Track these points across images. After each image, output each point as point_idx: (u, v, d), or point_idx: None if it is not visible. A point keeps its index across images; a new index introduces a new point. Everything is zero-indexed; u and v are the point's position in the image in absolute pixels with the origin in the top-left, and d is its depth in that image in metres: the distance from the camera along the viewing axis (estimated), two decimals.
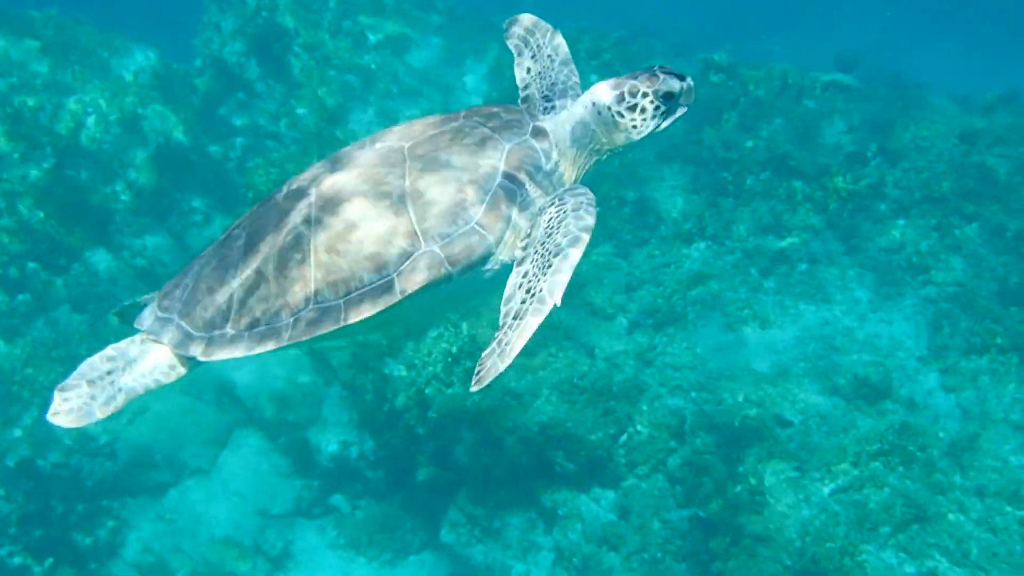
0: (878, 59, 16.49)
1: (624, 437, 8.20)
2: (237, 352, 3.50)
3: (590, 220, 3.39)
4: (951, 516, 7.48)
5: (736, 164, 11.37)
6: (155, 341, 3.76)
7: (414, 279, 3.42)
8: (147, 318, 3.82)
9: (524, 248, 3.50)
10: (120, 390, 3.68)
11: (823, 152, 11.53)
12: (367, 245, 3.43)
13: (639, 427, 8.23)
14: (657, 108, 3.62)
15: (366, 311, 3.41)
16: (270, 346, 3.45)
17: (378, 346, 8.44)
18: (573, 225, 3.37)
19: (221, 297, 3.58)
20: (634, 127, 3.66)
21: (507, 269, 3.57)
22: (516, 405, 8.23)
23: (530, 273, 3.35)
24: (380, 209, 3.46)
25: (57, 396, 3.65)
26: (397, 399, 8.38)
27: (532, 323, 3.21)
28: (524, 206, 3.57)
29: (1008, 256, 10.11)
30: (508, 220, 3.52)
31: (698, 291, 9.99)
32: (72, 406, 3.63)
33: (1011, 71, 20.51)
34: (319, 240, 3.46)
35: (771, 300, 9.97)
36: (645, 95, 3.61)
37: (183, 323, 3.65)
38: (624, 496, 8.03)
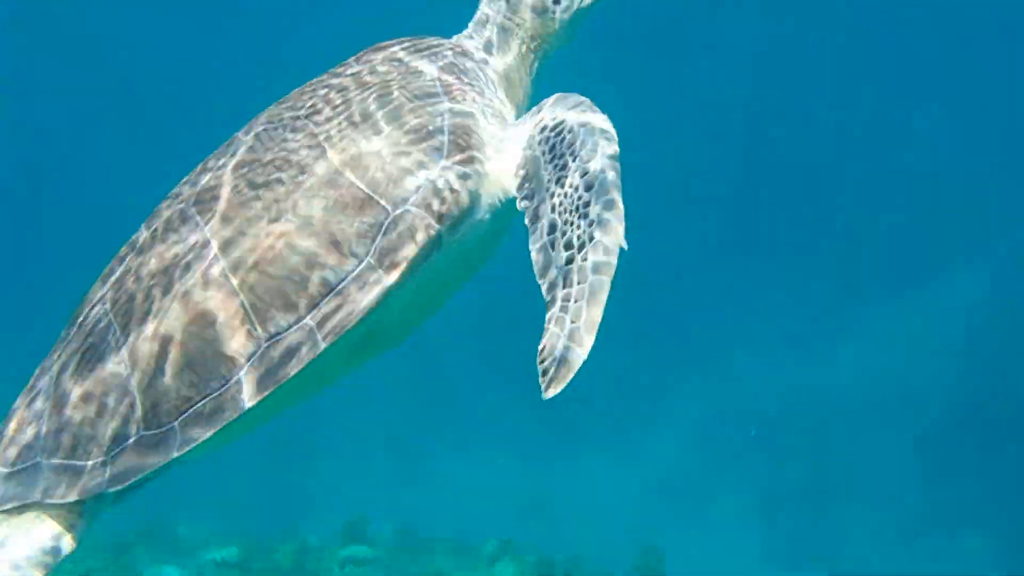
0: None
1: None
2: (171, 451, 2.57)
3: (598, 118, 2.64)
4: None
5: None
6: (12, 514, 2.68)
7: (402, 253, 2.60)
8: None
9: (525, 197, 2.68)
10: None
11: None
12: (317, 236, 2.62)
13: None
14: None
15: (354, 314, 2.57)
16: (224, 419, 2.54)
17: None
18: (588, 139, 2.57)
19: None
20: (557, 15, 3.15)
21: (498, 216, 2.83)
22: None
23: (558, 222, 2.54)
24: (309, 184, 2.66)
25: None
26: None
27: (603, 281, 2.38)
28: (485, 117, 2.84)
29: None
30: (486, 143, 2.78)
31: None
32: None
33: None
34: (223, 265, 2.62)
35: None
36: None
37: (58, 460, 2.65)
38: None
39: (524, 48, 3.21)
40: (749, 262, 16.67)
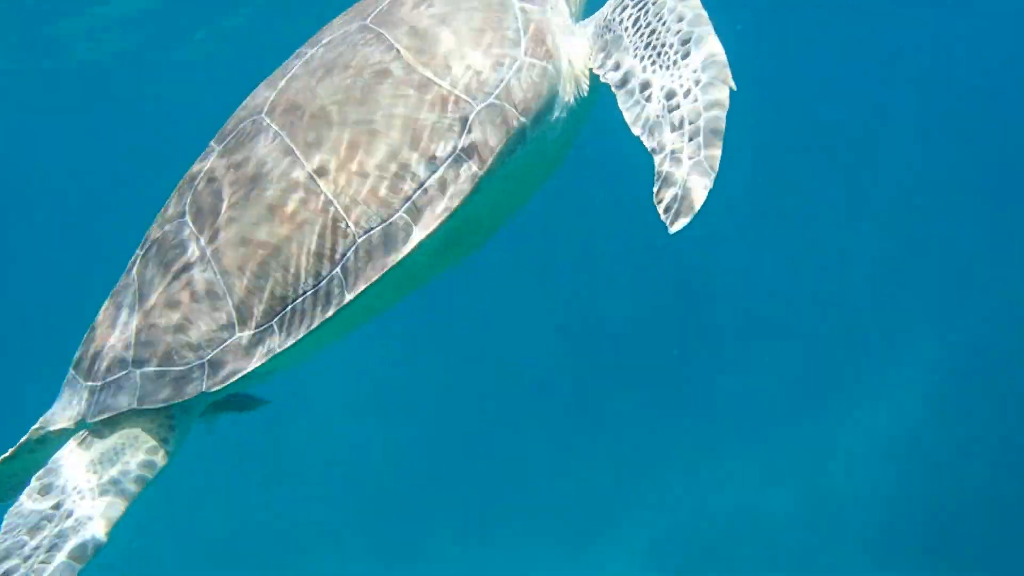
0: None
1: None
2: (273, 347, 2.62)
3: None
4: None
5: None
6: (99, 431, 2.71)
7: (488, 144, 2.68)
8: (80, 405, 2.74)
9: (611, 69, 2.75)
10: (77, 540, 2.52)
11: None
12: (400, 132, 2.66)
13: None
14: None
15: (444, 205, 2.62)
16: (317, 318, 2.60)
17: None
18: (672, 3, 2.64)
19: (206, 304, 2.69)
20: None
21: (574, 115, 2.93)
22: None
23: (653, 78, 2.60)
24: (388, 87, 2.71)
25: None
26: None
27: (719, 116, 2.44)
28: (559, 14, 2.95)
29: None
30: (559, 39, 2.90)
31: None
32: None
33: None
34: (308, 170, 2.67)
35: None
36: None
37: (152, 368, 2.66)
38: None
39: None
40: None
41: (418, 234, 2.60)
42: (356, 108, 2.69)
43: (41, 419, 2.85)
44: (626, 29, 2.77)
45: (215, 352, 2.64)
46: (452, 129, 2.68)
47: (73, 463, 2.64)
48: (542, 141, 2.87)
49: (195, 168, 2.89)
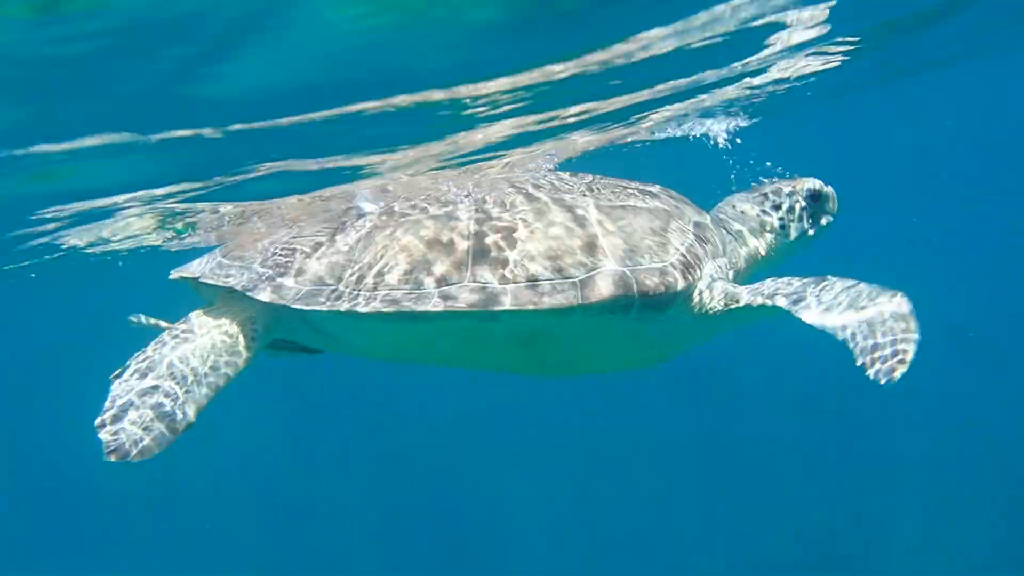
0: None
1: None
2: (369, 307, 3.06)
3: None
4: None
5: None
6: (222, 311, 3.27)
7: (597, 290, 3.11)
8: (217, 273, 3.32)
9: (781, 296, 3.25)
10: (182, 399, 3.08)
11: None
12: (541, 242, 3.15)
13: None
14: (805, 208, 3.74)
15: (532, 302, 3.04)
16: (406, 307, 3.03)
17: None
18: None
19: (334, 259, 3.23)
20: (782, 227, 3.74)
21: (679, 330, 3.42)
22: None
23: (823, 298, 3.14)
24: (560, 215, 3.26)
25: (104, 434, 3.00)
26: None
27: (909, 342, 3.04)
28: (712, 267, 3.47)
29: None
30: (702, 273, 3.40)
31: None
32: (129, 436, 2.95)
33: None
34: (483, 228, 3.18)
35: None
36: (791, 194, 3.75)
37: (282, 279, 3.20)
38: None
39: (764, 244, 3.82)
40: None
41: (502, 302, 3.06)
42: (537, 212, 3.30)
43: (178, 268, 3.49)
44: (806, 287, 3.26)
45: (310, 288, 3.20)
46: (582, 265, 3.16)
47: (179, 351, 3.17)
48: (646, 325, 3.30)
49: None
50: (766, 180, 3.92)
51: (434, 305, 3.03)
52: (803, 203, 3.76)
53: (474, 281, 3.07)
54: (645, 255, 3.23)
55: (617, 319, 3.21)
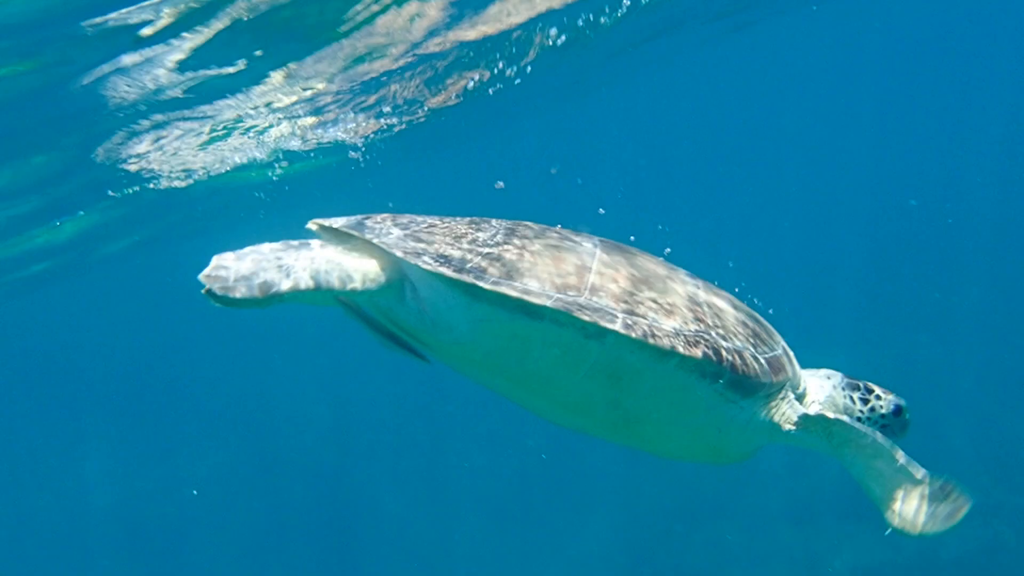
0: None
1: None
2: (491, 285, 3.21)
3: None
4: None
5: None
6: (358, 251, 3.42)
7: (694, 349, 3.31)
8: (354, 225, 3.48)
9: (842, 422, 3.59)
10: (302, 272, 3.25)
11: None
12: (659, 285, 3.42)
13: None
14: (883, 415, 3.87)
15: (643, 334, 3.23)
16: (526, 297, 3.21)
17: None
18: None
19: (466, 244, 3.38)
20: (859, 414, 3.87)
21: (748, 430, 3.59)
22: None
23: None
24: (673, 277, 3.53)
25: (215, 261, 3.18)
26: None
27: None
28: (791, 388, 3.71)
29: None
30: (785, 382, 3.60)
31: None
32: (237, 272, 3.16)
33: None
34: (599, 259, 3.40)
35: None
36: (879, 397, 3.89)
37: (420, 246, 3.35)
38: None
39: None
40: None
41: (624, 329, 3.24)
42: (652, 266, 3.58)
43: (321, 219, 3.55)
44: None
45: (441, 258, 3.32)
46: (686, 324, 3.40)
47: (317, 252, 3.37)
48: (726, 409, 3.52)
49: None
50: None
51: (553, 303, 3.18)
52: (884, 408, 3.89)
53: (592, 300, 3.25)
54: (742, 341, 3.53)
55: (703, 384, 3.37)
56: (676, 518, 12.89)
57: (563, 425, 3.81)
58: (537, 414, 3.78)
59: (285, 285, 3.20)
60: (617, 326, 3.19)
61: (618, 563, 13.06)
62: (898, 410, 3.87)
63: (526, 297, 3.19)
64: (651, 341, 3.23)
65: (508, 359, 3.44)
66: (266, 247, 3.31)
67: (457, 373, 3.76)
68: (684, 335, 3.32)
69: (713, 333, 3.40)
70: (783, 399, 3.62)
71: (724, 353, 3.37)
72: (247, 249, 3.29)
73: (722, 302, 3.61)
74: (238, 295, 3.12)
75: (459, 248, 3.37)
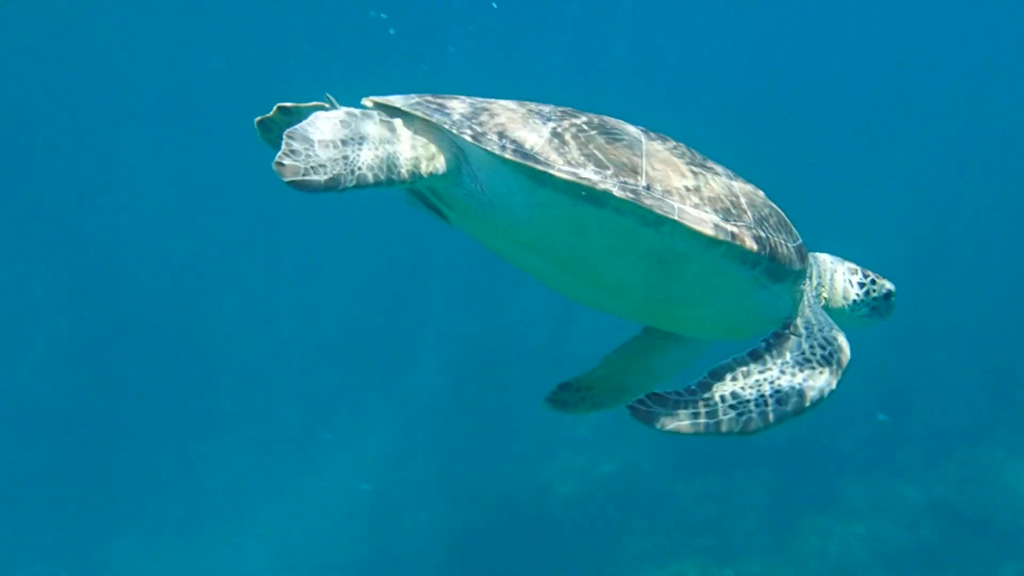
0: None
1: None
2: (559, 172, 3.33)
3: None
4: None
5: None
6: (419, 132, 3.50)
7: (741, 238, 3.50)
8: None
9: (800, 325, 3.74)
10: (367, 171, 3.31)
11: None
12: (701, 175, 3.60)
13: None
14: (876, 298, 4.15)
15: (697, 223, 3.41)
16: (593, 182, 3.34)
17: None
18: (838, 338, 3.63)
19: (538, 130, 3.48)
20: (855, 298, 4.13)
21: (773, 311, 3.77)
22: None
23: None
24: (709, 166, 3.71)
25: (286, 141, 3.20)
26: None
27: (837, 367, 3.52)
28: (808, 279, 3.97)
29: None
30: (808, 268, 3.89)
31: None
32: (307, 162, 3.18)
33: None
34: (647, 148, 3.55)
35: None
36: (874, 282, 4.14)
37: (476, 126, 3.44)
38: None
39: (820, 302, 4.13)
40: None
41: (667, 211, 3.42)
42: (679, 153, 3.72)
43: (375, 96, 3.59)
44: (815, 330, 3.71)
45: (511, 144, 3.40)
46: (733, 216, 3.57)
47: (378, 143, 3.41)
48: (748, 291, 3.69)
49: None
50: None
51: (620, 192, 3.35)
52: (876, 293, 4.17)
53: (651, 190, 3.42)
54: (773, 231, 3.71)
55: (743, 270, 3.58)
56: None
57: (588, 305, 3.98)
58: (561, 292, 3.93)
59: (350, 182, 3.25)
60: (675, 215, 3.37)
61: None
62: (888, 294, 4.15)
63: (594, 185, 3.33)
64: (703, 229, 3.41)
65: (560, 242, 3.57)
66: (327, 127, 3.32)
67: (480, 244, 3.85)
68: (731, 224, 3.50)
69: (752, 222, 3.59)
70: (803, 284, 3.87)
71: (763, 241, 3.57)
72: (316, 126, 3.30)
73: (753, 192, 3.80)
74: (309, 189, 3.14)
75: (524, 131, 3.44)
